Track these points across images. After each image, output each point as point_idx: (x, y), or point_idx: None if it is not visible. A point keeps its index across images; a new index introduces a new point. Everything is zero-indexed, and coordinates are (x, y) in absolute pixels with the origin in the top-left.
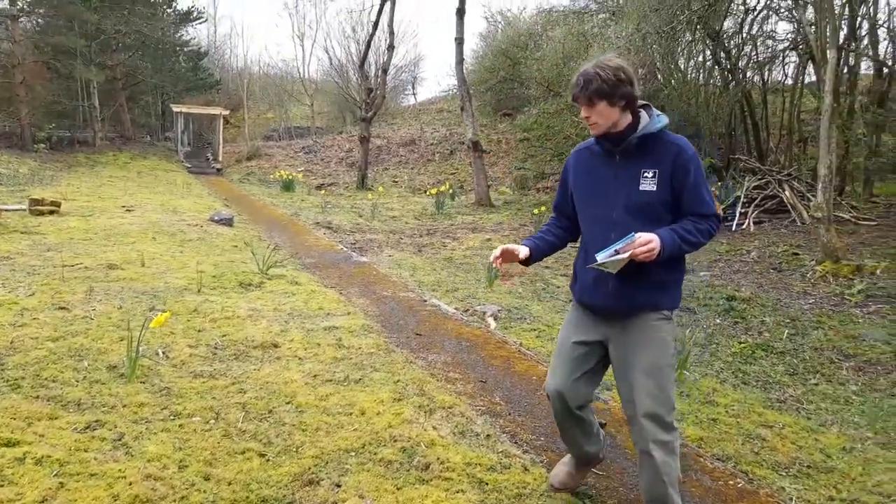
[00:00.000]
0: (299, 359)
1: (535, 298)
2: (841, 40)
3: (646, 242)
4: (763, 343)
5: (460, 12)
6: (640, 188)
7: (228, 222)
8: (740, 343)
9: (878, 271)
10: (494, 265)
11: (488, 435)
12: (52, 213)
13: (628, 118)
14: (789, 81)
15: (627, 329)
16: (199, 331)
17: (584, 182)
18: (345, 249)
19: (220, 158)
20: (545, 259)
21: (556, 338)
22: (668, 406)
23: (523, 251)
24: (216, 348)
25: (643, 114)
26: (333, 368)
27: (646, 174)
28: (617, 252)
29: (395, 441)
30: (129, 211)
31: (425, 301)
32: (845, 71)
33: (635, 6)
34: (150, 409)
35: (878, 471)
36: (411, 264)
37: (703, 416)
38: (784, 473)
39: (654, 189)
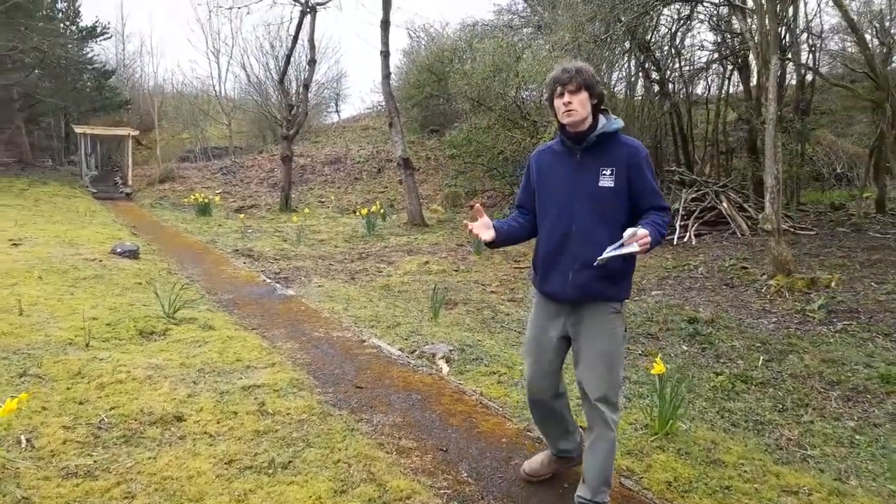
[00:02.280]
0: (210, 437)
1: (485, 331)
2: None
3: (644, 235)
4: (740, 374)
5: (385, 24)
6: (600, 184)
7: (133, 254)
8: (717, 374)
9: (832, 284)
10: (470, 230)
11: None
12: None
13: (590, 119)
14: (713, 92)
15: (583, 321)
16: (80, 403)
17: (547, 178)
18: (268, 281)
19: (130, 182)
20: (490, 283)
21: (519, 381)
22: (616, 387)
23: (489, 233)
24: (100, 428)
25: (601, 117)
26: (255, 448)
27: (604, 171)
28: (622, 245)
29: None
30: (16, 245)
31: (364, 342)
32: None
33: (569, 16)
34: None
35: None
36: (344, 295)
37: (714, 482)
38: None
39: (612, 185)
